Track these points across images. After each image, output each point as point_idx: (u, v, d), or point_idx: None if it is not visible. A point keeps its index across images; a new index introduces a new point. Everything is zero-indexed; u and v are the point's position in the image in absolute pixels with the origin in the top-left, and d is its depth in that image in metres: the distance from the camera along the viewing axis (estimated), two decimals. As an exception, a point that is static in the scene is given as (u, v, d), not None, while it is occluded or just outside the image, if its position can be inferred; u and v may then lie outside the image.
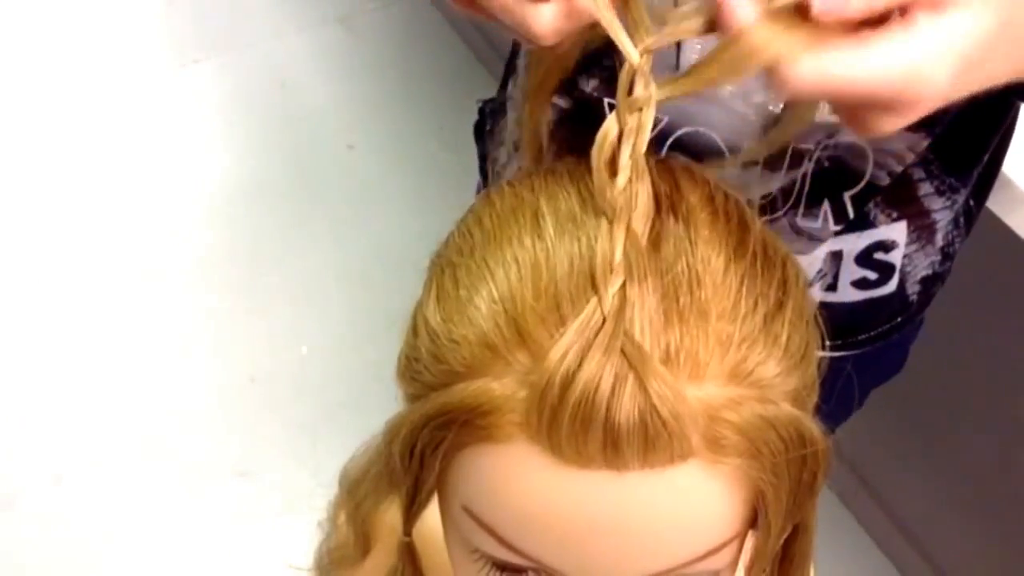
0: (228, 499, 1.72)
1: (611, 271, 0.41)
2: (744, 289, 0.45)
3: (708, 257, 0.45)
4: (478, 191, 0.90)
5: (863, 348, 0.80)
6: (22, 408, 1.83)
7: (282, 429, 1.80)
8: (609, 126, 0.43)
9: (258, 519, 1.69)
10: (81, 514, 1.71)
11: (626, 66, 0.43)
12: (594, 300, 0.41)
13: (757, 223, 0.48)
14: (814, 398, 0.49)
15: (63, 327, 1.93)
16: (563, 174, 0.48)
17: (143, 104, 2.30)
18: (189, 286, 1.99)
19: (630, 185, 0.42)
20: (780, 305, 0.46)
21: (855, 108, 0.44)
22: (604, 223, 0.42)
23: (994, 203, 0.94)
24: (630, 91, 0.43)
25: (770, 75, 0.41)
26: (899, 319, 0.81)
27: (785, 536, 0.50)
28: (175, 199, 2.13)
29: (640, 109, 0.42)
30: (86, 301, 1.97)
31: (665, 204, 0.46)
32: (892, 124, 0.44)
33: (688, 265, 0.45)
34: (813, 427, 0.46)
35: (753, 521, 0.48)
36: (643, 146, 0.42)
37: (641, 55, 0.43)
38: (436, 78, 2.23)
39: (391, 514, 0.64)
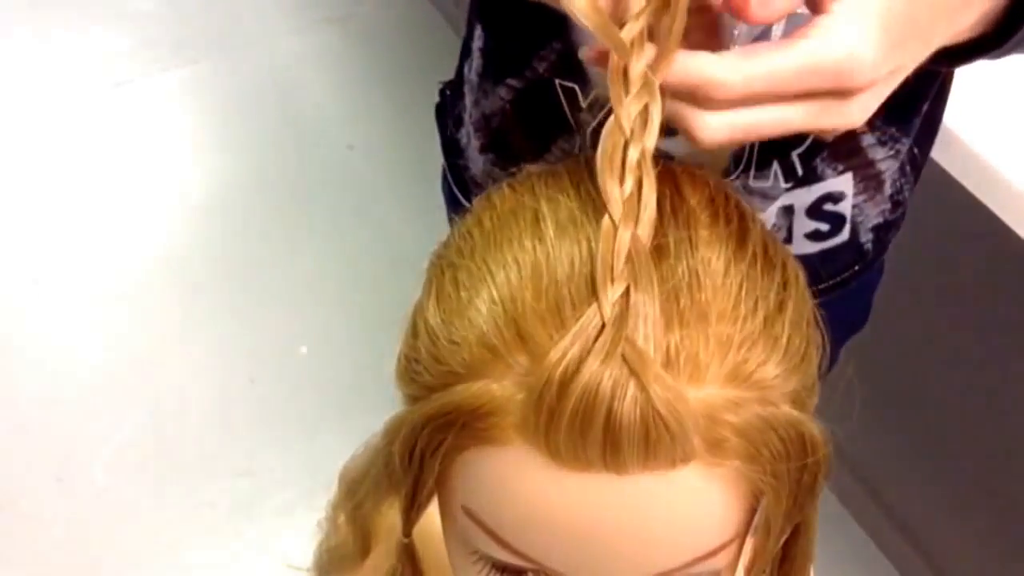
0: (228, 499, 1.72)
1: (612, 279, 0.41)
2: (744, 291, 0.45)
3: (708, 259, 0.45)
4: (443, 174, 0.91)
5: (823, 297, 0.82)
6: (22, 408, 1.83)
7: (282, 429, 1.80)
8: (613, 130, 0.42)
9: (258, 519, 1.69)
10: (81, 514, 1.71)
11: (618, 67, 0.43)
12: (594, 306, 0.41)
13: (758, 225, 0.48)
14: (814, 399, 0.49)
15: (63, 326, 1.93)
16: (563, 175, 0.48)
17: (143, 104, 2.30)
18: (189, 286, 1.99)
19: (637, 191, 0.42)
20: (780, 306, 0.46)
21: (812, 111, 0.46)
22: (606, 226, 0.41)
23: (992, 202, 0.94)
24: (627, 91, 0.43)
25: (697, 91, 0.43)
26: (856, 267, 0.83)
27: (785, 537, 0.50)
28: (175, 199, 2.13)
29: (645, 106, 0.42)
30: (86, 300, 1.97)
31: (666, 206, 0.46)
32: (851, 114, 0.46)
33: (688, 267, 0.44)
34: (814, 429, 0.46)
35: (753, 522, 0.48)
36: (651, 150, 0.42)
37: (639, 53, 0.43)
38: (436, 78, 2.23)
39: (391, 514, 0.64)
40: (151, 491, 1.73)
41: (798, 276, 0.49)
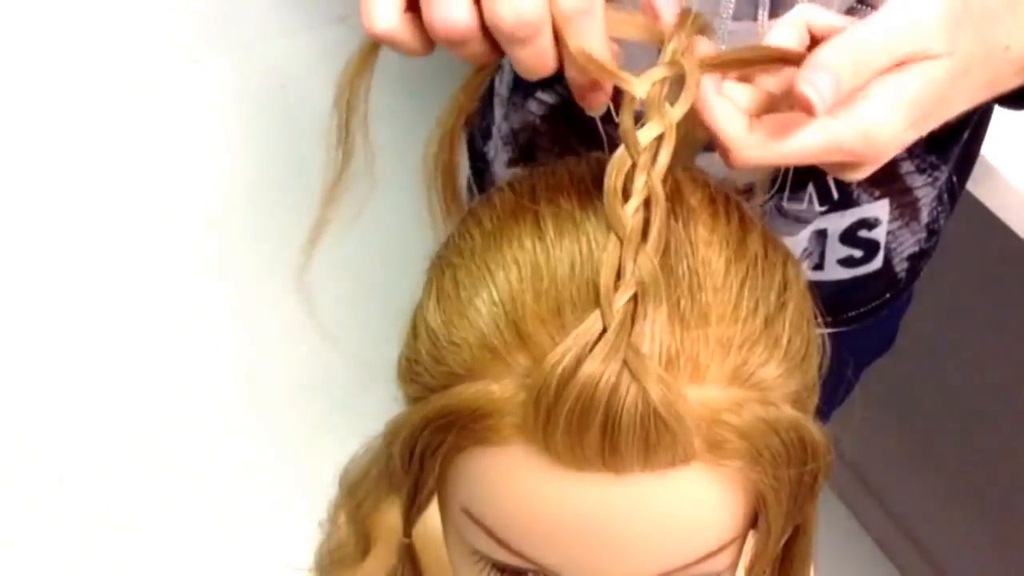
0: (228, 499, 1.72)
1: (615, 288, 0.41)
2: (745, 291, 0.45)
3: (709, 259, 0.45)
4: (468, 186, 0.91)
5: (852, 325, 0.81)
6: (22, 408, 1.83)
7: (282, 429, 1.80)
8: (622, 158, 0.42)
9: (258, 519, 1.69)
10: (81, 514, 1.71)
11: (627, 98, 0.43)
12: (596, 312, 0.41)
13: (758, 225, 0.49)
14: (815, 400, 0.49)
15: (63, 326, 1.93)
16: (563, 175, 0.48)
17: (143, 104, 2.30)
18: (188, 286, 1.99)
19: (644, 209, 0.42)
20: (781, 307, 0.46)
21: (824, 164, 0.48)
22: (612, 238, 0.41)
23: (994, 203, 0.94)
24: (638, 121, 0.43)
25: (721, 147, 0.45)
26: (888, 295, 0.83)
27: (785, 537, 0.50)
28: (175, 199, 2.13)
29: (659, 137, 0.42)
30: (86, 301, 1.97)
31: (666, 207, 0.46)
32: (855, 175, 0.49)
33: (689, 268, 0.44)
34: (814, 429, 0.46)
35: (753, 523, 0.48)
36: (661, 175, 0.42)
37: (649, 88, 0.43)
38: (436, 78, 2.23)
39: (391, 515, 0.64)
40: (151, 491, 1.73)
41: (798, 276, 0.49)
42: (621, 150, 0.43)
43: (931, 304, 1.28)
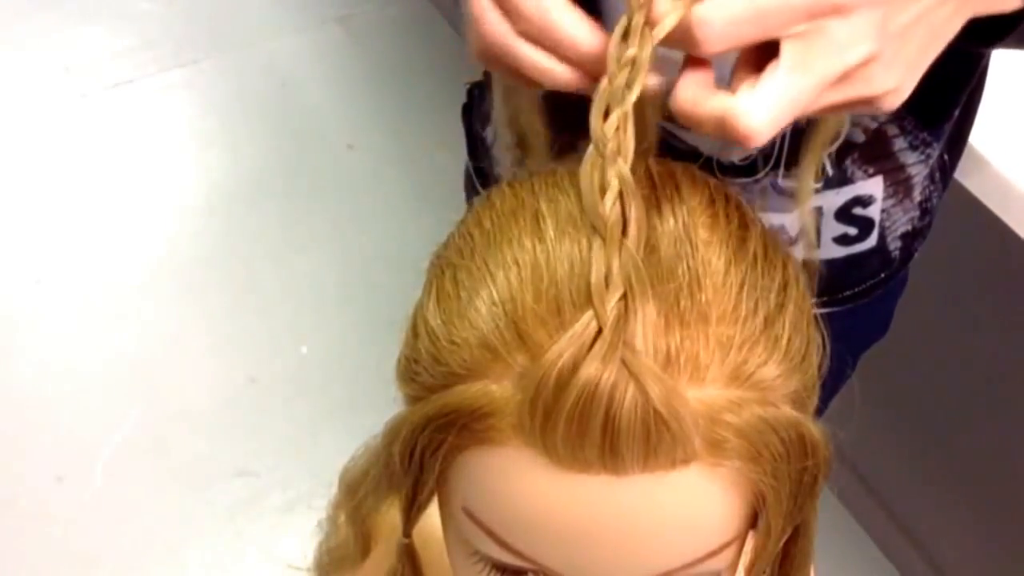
0: (228, 499, 1.72)
1: (606, 285, 0.41)
2: (744, 291, 0.45)
3: (708, 260, 0.45)
4: (466, 174, 0.91)
5: (848, 304, 0.82)
6: (22, 408, 1.83)
7: (282, 429, 1.80)
8: (592, 155, 0.43)
9: (258, 519, 1.69)
10: (81, 514, 1.71)
11: (598, 94, 0.43)
12: (590, 312, 0.41)
13: (758, 225, 0.49)
14: (815, 400, 0.49)
15: (63, 326, 1.93)
16: (563, 176, 0.48)
17: (144, 103, 2.30)
18: (189, 286, 1.99)
19: (620, 202, 0.42)
20: (781, 307, 0.46)
21: (840, 87, 0.45)
22: (596, 242, 0.42)
23: (991, 201, 0.94)
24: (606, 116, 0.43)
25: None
26: (882, 275, 0.83)
27: (785, 537, 0.50)
28: (175, 199, 2.13)
29: (617, 128, 0.42)
30: (86, 301, 1.97)
31: (666, 207, 0.46)
32: (875, 78, 0.45)
33: (688, 268, 0.45)
34: (814, 429, 0.46)
35: (753, 522, 0.48)
36: (627, 165, 0.42)
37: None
38: (435, 78, 2.23)
39: (391, 514, 0.64)
40: (151, 491, 1.73)
41: (798, 277, 0.49)
42: (591, 148, 0.43)
43: (930, 303, 1.28)
